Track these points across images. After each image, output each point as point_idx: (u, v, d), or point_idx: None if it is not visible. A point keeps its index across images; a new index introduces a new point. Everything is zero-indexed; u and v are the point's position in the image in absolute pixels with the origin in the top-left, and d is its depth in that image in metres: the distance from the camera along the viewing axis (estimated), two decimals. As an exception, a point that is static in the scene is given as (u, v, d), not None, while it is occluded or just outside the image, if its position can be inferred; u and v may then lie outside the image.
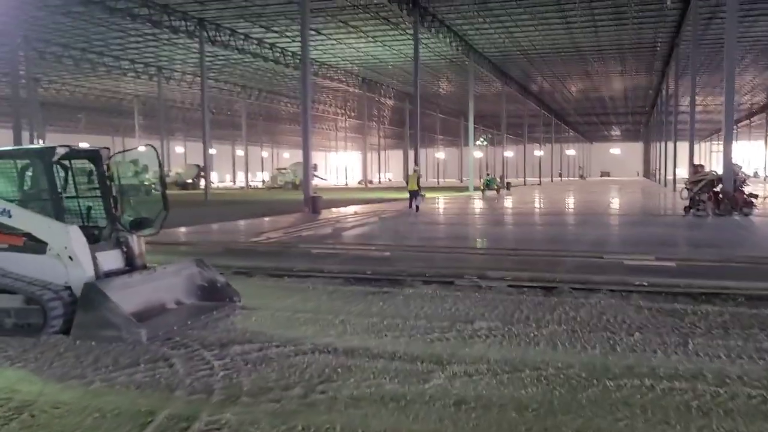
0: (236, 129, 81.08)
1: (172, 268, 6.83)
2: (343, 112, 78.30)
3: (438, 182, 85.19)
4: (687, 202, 20.35)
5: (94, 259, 5.99)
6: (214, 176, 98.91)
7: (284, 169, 63.28)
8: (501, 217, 20.95)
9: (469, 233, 14.80)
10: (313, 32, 38.69)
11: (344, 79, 54.14)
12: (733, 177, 19.91)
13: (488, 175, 42.92)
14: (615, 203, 28.17)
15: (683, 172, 20.76)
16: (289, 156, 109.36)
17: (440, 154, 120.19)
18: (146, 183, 41.55)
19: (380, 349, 5.21)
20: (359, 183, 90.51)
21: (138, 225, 6.56)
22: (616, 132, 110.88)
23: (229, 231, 14.99)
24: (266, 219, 19.02)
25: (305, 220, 17.53)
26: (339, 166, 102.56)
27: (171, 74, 51.04)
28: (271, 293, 7.61)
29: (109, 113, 74.09)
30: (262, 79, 56.03)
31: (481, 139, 43.17)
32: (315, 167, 71.24)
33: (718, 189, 20.00)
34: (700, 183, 19.88)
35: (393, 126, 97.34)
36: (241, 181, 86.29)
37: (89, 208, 6.62)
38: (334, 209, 24.00)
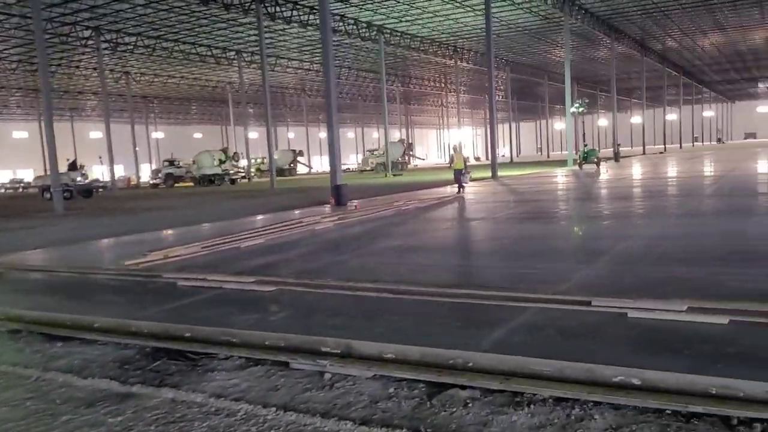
0: (343, 110, 79.61)
1: None
2: (443, 86, 74.04)
3: (548, 156, 78.57)
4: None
5: None
6: (317, 161, 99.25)
7: (376, 150, 60.21)
8: (551, 205, 16.51)
9: (455, 243, 10.75)
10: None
11: (430, 49, 49.87)
12: None
13: (585, 145, 37.22)
14: (730, 177, 22.24)
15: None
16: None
17: (560, 125, 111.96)
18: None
19: None
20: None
21: None
22: (763, 88, 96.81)
23: (166, 241, 12.02)
24: (257, 218, 16.10)
25: (295, 219, 14.29)
26: (449, 143, 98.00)
27: (252, 57, 49.52)
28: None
29: (211, 102, 75.02)
30: (347, 56, 53.28)
31: (577, 104, 37.47)
32: (410, 147, 67.99)
33: None
34: None
35: (522, 100, 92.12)
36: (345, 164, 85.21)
37: None
38: (371, 198, 20.58)
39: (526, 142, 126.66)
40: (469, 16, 40.22)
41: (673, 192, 18.11)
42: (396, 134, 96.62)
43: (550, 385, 3.82)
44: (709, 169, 28.67)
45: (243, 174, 52.99)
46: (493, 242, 10.40)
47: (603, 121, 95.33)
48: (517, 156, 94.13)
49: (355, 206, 16.90)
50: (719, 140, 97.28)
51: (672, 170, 29.52)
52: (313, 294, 6.48)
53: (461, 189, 20.59)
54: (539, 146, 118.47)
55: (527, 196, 19.80)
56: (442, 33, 45.92)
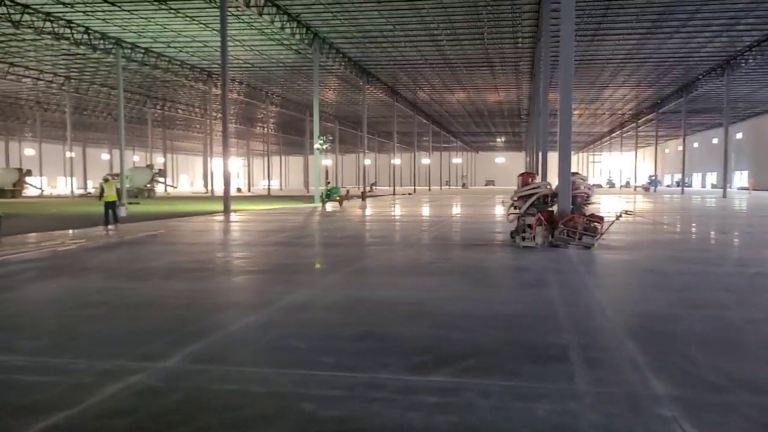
0: (94, 129, 70.75)
1: None
2: (205, 112, 70.39)
3: (309, 190, 78.57)
4: (514, 225, 15.12)
5: None
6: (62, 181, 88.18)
7: (117, 175, 54.07)
8: (239, 252, 14.87)
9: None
10: (105, 3, 30.97)
11: (180, 71, 46.39)
12: (573, 191, 14.81)
13: (328, 183, 37.01)
14: (447, 221, 22.91)
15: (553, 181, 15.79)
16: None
17: (327, 161, 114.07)
18: None
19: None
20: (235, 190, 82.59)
21: None
22: (500, 142, 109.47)
23: None
24: None
25: None
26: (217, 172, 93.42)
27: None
28: None
29: None
30: (85, 68, 47.43)
31: (321, 141, 37.12)
32: (160, 172, 62.99)
33: (554, 208, 14.93)
34: (529, 200, 14.63)
35: (289, 134, 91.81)
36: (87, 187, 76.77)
37: None
38: (51, 232, 17.06)
39: (295, 176, 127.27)
40: (218, 40, 37.95)
41: (379, 240, 17.49)
42: (159, 159, 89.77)
43: None
44: (434, 212, 29.67)
45: None
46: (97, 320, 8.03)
47: (367, 161, 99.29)
48: (281, 189, 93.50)
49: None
50: (464, 185, 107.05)
51: (404, 211, 30.09)
52: None
53: (114, 225, 19.80)
54: (308, 180, 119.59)
55: (232, 236, 17.83)
56: (192, 55, 42.95)
